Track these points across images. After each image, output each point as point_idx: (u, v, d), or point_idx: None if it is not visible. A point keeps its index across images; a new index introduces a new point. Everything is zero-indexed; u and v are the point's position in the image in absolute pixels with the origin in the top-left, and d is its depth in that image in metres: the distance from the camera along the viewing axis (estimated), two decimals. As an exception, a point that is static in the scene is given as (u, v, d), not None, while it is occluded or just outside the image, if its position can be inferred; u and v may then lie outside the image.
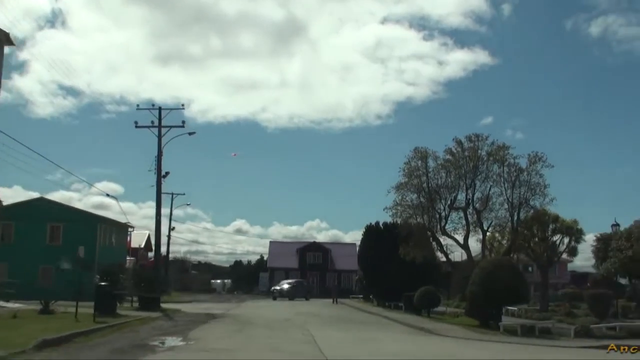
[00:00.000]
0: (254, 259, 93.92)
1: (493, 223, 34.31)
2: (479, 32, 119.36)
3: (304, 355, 15.54)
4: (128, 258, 56.59)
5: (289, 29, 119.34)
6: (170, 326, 23.23)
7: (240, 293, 75.15)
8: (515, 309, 29.54)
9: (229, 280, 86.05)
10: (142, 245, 67.29)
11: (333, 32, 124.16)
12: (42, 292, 27.83)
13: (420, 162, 34.75)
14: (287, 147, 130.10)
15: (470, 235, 34.46)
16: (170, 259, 72.03)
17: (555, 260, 36.00)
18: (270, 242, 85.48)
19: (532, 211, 33.09)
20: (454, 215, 35.01)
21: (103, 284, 26.49)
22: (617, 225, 31.86)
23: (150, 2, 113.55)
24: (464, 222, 34.47)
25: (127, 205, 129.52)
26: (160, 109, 36.81)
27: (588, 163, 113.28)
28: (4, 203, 41.57)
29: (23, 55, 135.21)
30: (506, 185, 33.02)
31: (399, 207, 35.76)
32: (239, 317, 30.20)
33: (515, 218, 32.97)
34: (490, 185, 33.70)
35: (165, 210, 49.84)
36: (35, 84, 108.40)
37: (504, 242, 36.69)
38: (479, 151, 33.43)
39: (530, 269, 54.26)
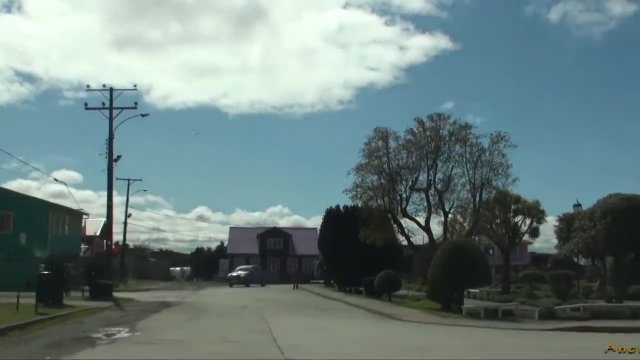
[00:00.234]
0: (215, 246, 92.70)
1: (455, 204, 33.92)
2: (440, 17, 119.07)
3: (256, 344, 14.61)
4: (83, 246, 55.02)
5: (250, 14, 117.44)
6: (119, 316, 22.07)
7: (200, 280, 74.26)
8: (477, 291, 29.14)
9: (189, 268, 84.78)
10: (98, 233, 65.35)
11: (295, 17, 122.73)
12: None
13: (381, 142, 34.05)
14: (249, 133, 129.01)
15: (432, 217, 33.96)
16: (129, 247, 70.61)
17: (516, 242, 35.74)
18: (231, 228, 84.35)
19: (494, 192, 32.66)
20: (415, 196, 34.54)
21: (45, 272, 25.07)
22: (579, 205, 31.62)
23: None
24: (425, 203, 34.02)
25: (86, 193, 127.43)
26: (111, 89, 36.64)
27: (550, 146, 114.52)
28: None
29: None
30: (468, 165, 32.55)
31: (359, 189, 35.02)
32: (193, 305, 29.31)
33: (477, 199, 32.52)
34: (452, 166, 33.25)
35: (122, 198, 48.44)
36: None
37: (466, 224, 36.41)
38: (441, 131, 32.83)
39: (491, 251, 54.36)
